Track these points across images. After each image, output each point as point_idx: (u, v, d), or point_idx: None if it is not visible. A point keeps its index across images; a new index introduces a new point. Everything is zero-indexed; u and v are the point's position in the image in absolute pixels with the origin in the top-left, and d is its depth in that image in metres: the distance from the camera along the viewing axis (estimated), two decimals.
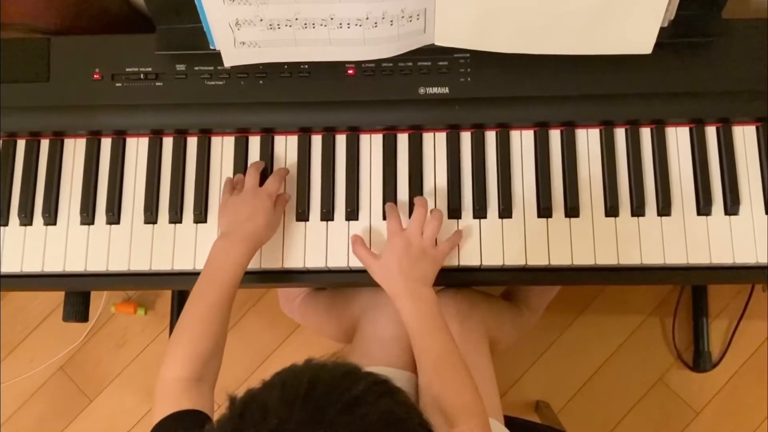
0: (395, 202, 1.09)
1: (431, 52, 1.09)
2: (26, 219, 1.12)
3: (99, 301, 1.83)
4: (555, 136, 1.11)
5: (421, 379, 0.99)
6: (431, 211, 1.06)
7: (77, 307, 1.28)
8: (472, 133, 1.12)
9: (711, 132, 1.11)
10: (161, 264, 1.10)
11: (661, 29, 1.03)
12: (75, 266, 1.11)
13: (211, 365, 0.95)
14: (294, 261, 1.09)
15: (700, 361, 1.75)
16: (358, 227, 1.09)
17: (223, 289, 0.98)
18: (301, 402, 0.64)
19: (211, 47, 1.08)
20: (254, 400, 0.67)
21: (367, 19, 1.00)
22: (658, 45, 1.04)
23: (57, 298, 1.83)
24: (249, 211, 1.03)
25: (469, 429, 0.70)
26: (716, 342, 1.77)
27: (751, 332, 1.77)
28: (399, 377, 1.06)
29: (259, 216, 1.03)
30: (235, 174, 1.12)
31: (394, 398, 0.68)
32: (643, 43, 1.04)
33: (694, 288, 1.78)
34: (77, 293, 1.30)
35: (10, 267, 1.11)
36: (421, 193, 1.10)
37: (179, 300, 1.83)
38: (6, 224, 1.13)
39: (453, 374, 0.96)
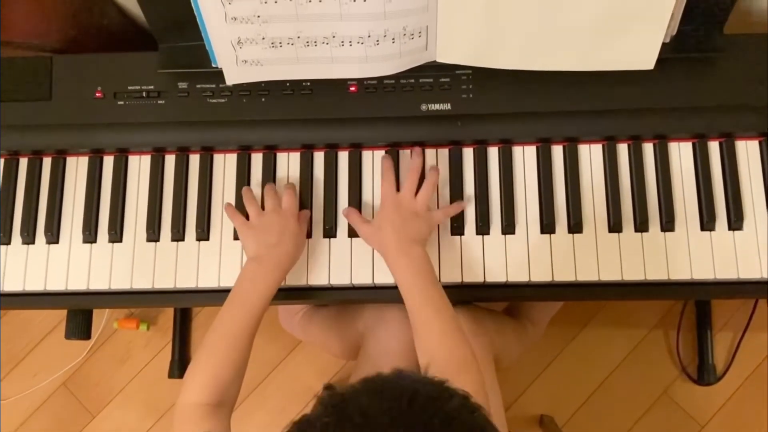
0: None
1: (433, 69, 1.09)
2: (29, 237, 1.12)
3: (101, 316, 1.82)
4: (558, 151, 1.11)
5: (416, 337, 0.99)
6: (428, 172, 1.08)
7: (79, 325, 1.28)
8: (474, 149, 1.12)
9: (714, 147, 1.11)
10: (164, 282, 1.10)
11: (664, 45, 1.03)
12: (77, 285, 1.11)
13: (231, 390, 0.95)
14: (297, 279, 1.09)
15: (704, 374, 1.75)
16: (360, 243, 1.09)
17: (251, 315, 0.99)
18: (404, 413, 0.64)
19: (213, 65, 1.08)
20: (349, 404, 0.66)
21: (369, 36, 1.01)
22: (660, 60, 1.04)
23: (59, 314, 1.83)
24: (277, 235, 1.03)
25: (462, 384, 0.71)
26: (720, 355, 1.77)
27: (755, 345, 1.76)
28: None
29: (288, 239, 1.03)
30: (237, 192, 1.12)
31: (482, 414, 0.69)
32: (646, 59, 1.04)
33: (697, 301, 1.77)
34: (79, 311, 1.30)
35: (13, 286, 1.11)
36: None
37: (182, 315, 1.83)
38: (8, 243, 1.13)
39: (447, 330, 0.96)
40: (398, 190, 1.08)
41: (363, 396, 0.67)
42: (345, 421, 0.64)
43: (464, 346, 0.95)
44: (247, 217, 1.08)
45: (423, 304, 0.98)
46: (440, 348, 0.95)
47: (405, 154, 1.12)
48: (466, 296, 1.11)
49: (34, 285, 1.11)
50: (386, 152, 1.12)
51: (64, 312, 1.33)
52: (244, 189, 1.10)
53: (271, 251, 1.02)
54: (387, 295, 1.08)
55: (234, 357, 0.96)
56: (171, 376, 1.81)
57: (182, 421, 0.91)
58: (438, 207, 1.09)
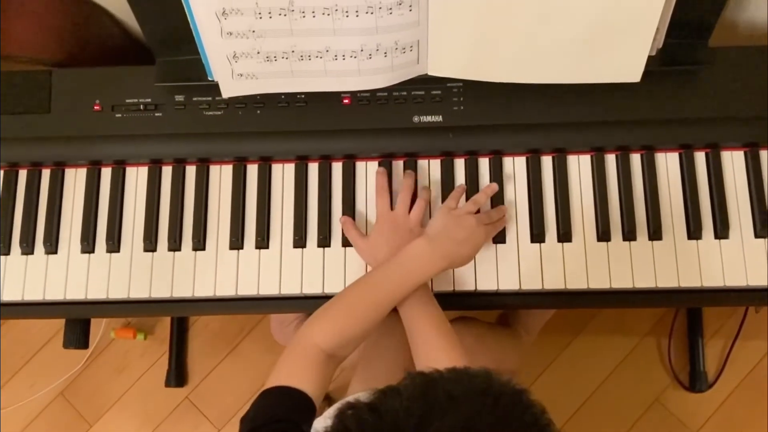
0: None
1: (425, 81, 1.11)
2: (27, 248, 1.14)
3: (99, 326, 1.84)
4: (547, 162, 1.13)
5: (414, 350, 1.00)
6: (420, 190, 1.10)
7: (77, 335, 1.29)
8: (465, 160, 1.14)
9: (700, 157, 1.13)
10: (160, 291, 1.12)
11: (650, 57, 1.05)
12: (75, 294, 1.12)
13: (347, 350, 0.97)
14: (291, 287, 1.10)
15: (696, 381, 1.76)
16: (354, 253, 1.11)
17: (401, 289, 0.99)
18: (491, 406, 0.65)
19: (210, 79, 1.10)
20: (435, 387, 0.67)
21: (362, 50, 1.03)
22: (646, 73, 1.06)
23: (57, 324, 1.84)
24: (467, 235, 1.02)
25: None
26: (712, 362, 1.78)
27: (747, 353, 1.78)
28: None
29: (472, 245, 1.03)
30: (233, 202, 1.13)
31: (554, 429, 0.69)
32: (632, 72, 1.06)
33: (689, 309, 1.79)
34: (77, 321, 1.31)
35: (12, 295, 1.13)
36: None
37: (178, 325, 1.85)
38: (8, 253, 1.14)
39: (447, 345, 0.98)
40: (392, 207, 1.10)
41: (447, 382, 0.67)
42: (429, 403, 0.64)
43: (465, 358, 0.97)
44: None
45: (420, 319, 1.00)
46: (444, 363, 0.97)
47: (398, 169, 1.14)
48: (457, 305, 1.12)
49: (33, 294, 1.13)
50: (380, 164, 1.14)
51: (61, 322, 1.34)
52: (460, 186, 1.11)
53: (451, 243, 1.01)
54: None
55: (365, 323, 0.97)
56: (168, 384, 1.82)
57: (297, 352, 0.93)
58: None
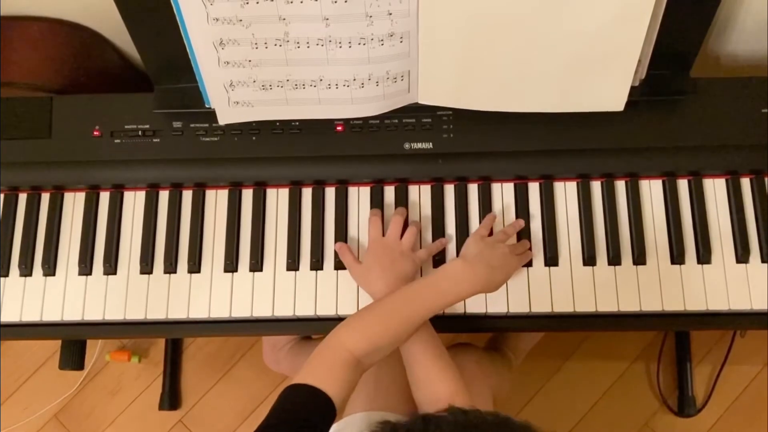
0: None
1: (415, 110, 1.14)
2: (26, 270, 1.16)
3: (94, 349, 1.85)
4: (534, 188, 1.16)
5: (410, 373, 1.03)
6: (411, 221, 1.13)
7: (73, 356, 1.31)
8: (455, 186, 1.17)
9: (683, 184, 1.16)
10: (156, 313, 1.14)
11: (633, 88, 1.09)
12: (72, 315, 1.14)
13: (374, 358, 0.98)
14: (284, 309, 1.13)
15: (684, 406, 1.78)
16: (346, 276, 1.13)
17: (433, 307, 1.01)
18: None
19: (207, 106, 1.13)
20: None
21: (354, 80, 1.06)
22: (630, 103, 1.09)
23: (52, 346, 1.86)
24: (501, 262, 1.05)
25: None
26: (700, 387, 1.80)
27: (735, 377, 1.80)
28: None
29: (504, 272, 1.06)
30: (228, 226, 1.16)
31: None
32: (615, 101, 1.09)
33: (677, 334, 1.81)
34: (73, 342, 1.33)
35: (10, 317, 1.14)
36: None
37: (173, 348, 1.86)
38: (6, 275, 1.16)
39: (443, 365, 1.01)
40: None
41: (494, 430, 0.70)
42: None
43: (454, 379, 1.00)
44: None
45: (414, 342, 1.02)
46: (441, 384, 1.00)
47: (389, 194, 1.17)
48: (447, 328, 1.14)
49: (31, 316, 1.14)
50: (371, 188, 1.17)
51: (56, 346, 1.36)
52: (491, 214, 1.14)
53: (487, 269, 1.04)
54: None
55: (395, 334, 0.98)
56: (161, 407, 1.83)
57: (326, 354, 0.94)
58: (421, 247, 1.14)
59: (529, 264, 1.13)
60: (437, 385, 1.00)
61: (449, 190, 1.17)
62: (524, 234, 1.14)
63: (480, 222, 1.14)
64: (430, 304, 1.01)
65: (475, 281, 1.02)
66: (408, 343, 1.02)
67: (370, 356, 0.96)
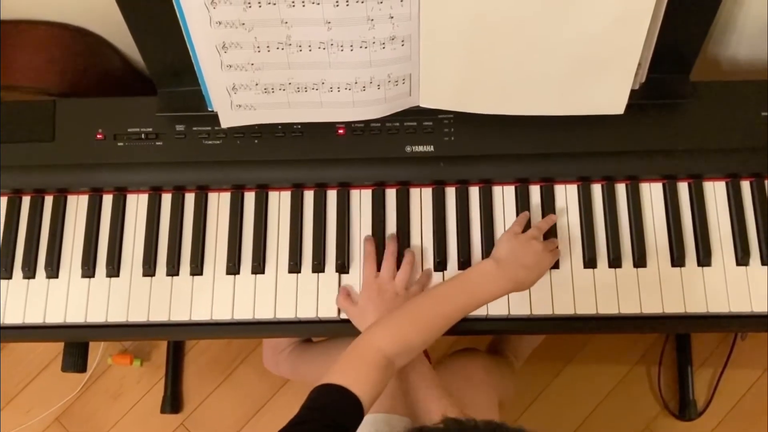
0: (382, 254, 1.14)
1: (417, 113, 1.15)
2: (29, 272, 1.16)
3: (95, 352, 1.85)
4: (535, 191, 1.17)
5: (413, 402, 1.03)
6: (405, 254, 1.13)
7: (76, 358, 1.31)
8: (456, 189, 1.17)
9: (683, 187, 1.17)
10: (158, 315, 1.14)
11: (633, 91, 1.09)
12: (75, 318, 1.14)
13: (404, 358, 0.98)
14: (285, 312, 1.13)
15: (685, 409, 1.78)
16: (348, 279, 1.14)
17: (465, 307, 1.02)
18: None
19: (209, 109, 1.14)
20: None
21: (356, 83, 1.07)
22: (630, 106, 1.10)
23: (54, 350, 1.86)
24: (534, 261, 1.05)
25: None
26: (701, 390, 1.80)
27: (735, 380, 1.81)
28: (396, 423, 1.11)
29: (536, 272, 1.06)
30: (230, 228, 1.16)
31: None
32: (616, 105, 1.10)
33: (678, 337, 1.82)
34: (76, 344, 1.33)
35: (13, 319, 1.15)
36: (408, 245, 1.15)
37: (174, 351, 1.87)
38: (10, 277, 1.17)
39: (440, 394, 1.02)
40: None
41: None
42: None
43: (453, 405, 1.02)
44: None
45: (417, 380, 1.04)
46: (427, 407, 1.02)
47: (391, 197, 1.17)
48: (449, 330, 1.13)
49: (34, 318, 1.15)
50: (373, 191, 1.17)
51: (58, 348, 1.36)
52: (524, 213, 1.14)
53: (518, 267, 1.04)
54: None
55: (426, 334, 0.99)
56: (163, 411, 1.84)
57: (358, 354, 0.95)
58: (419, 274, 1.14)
59: None
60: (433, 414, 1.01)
61: (450, 192, 1.18)
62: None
63: (481, 225, 1.15)
64: (460, 305, 1.01)
65: (506, 282, 1.03)
66: (404, 373, 1.03)
67: (401, 357, 0.97)
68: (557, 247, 1.13)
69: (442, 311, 1.00)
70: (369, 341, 0.96)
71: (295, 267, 1.15)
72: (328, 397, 0.89)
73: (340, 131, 1.16)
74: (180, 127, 1.17)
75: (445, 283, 1.04)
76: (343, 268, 1.14)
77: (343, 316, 1.13)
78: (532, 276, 1.05)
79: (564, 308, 1.12)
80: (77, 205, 1.20)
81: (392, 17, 0.99)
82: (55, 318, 1.15)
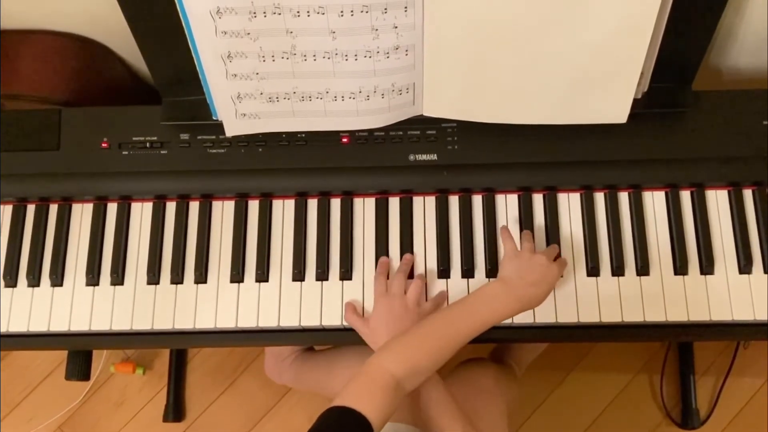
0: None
1: (420, 122, 1.15)
2: (34, 280, 1.17)
3: (98, 360, 1.85)
4: (538, 199, 1.17)
5: (428, 419, 1.04)
6: (416, 273, 1.14)
7: (80, 366, 1.31)
8: (459, 197, 1.18)
9: (686, 196, 1.17)
10: (162, 323, 1.15)
11: (636, 100, 1.10)
12: (79, 326, 1.15)
13: (413, 381, 0.98)
14: (290, 319, 1.13)
15: (688, 418, 1.78)
16: (351, 287, 1.14)
17: (473, 330, 1.01)
18: None
19: (214, 118, 1.15)
20: None
21: (360, 92, 1.07)
22: (633, 115, 1.10)
23: (56, 358, 1.86)
24: (540, 276, 1.04)
25: None
26: (704, 399, 1.80)
27: (738, 389, 1.80)
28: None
29: (545, 287, 1.05)
30: (234, 236, 1.17)
31: None
32: (618, 114, 1.11)
33: (680, 346, 1.82)
34: (80, 352, 1.33)
35: (17, 326, 1.15)
36: (411, 254, 1.16)
37: (177, 359, 1.87)
38: (14, 285, 1.17)
39: (452, 411, 1.03)
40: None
41: None
42: None
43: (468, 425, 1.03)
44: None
45: (430, 395, 1.04)
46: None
47: (394, 206, 1.18)
48: None
49: (38, 326, 1.15)
50: (377, 200, 1.18)
51: (61, 356, 1.36)
52: (526, 232, 1.14)
53: (525, 286, 1.04)
54: None
55: (435, 356, 0.99)
56: (165, 419, 1.84)
57: (367, 376, 0.94)
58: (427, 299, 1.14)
59: None
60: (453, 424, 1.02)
61: (454, 201, 1.18)
62: None
63: (484, 233, 1.16)
64: (468, 328, 1.01)
65: (515, 302, 1.03)
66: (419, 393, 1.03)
67: (410, 379, 0.97)
68: (560, 254, 1.13)
69: (448, 335, 1.00)
70: (378, 364, 0.96)
71: (299, 275, 1.15)
72: (338, 419, 0.89)
73: (344, 140, 1.17)
74: (184, 136, 1.18)
75: (455, 305, 1.04)
76: (346, 275, 1.15)
77: (347, 324, 1.13)
78: (540, 292, 1.05)
79: (567, 317, 1.12)
80: (82, 214, 1.20)
81: (396, 27, 1.00)
82: (59, 326, 1.15)
